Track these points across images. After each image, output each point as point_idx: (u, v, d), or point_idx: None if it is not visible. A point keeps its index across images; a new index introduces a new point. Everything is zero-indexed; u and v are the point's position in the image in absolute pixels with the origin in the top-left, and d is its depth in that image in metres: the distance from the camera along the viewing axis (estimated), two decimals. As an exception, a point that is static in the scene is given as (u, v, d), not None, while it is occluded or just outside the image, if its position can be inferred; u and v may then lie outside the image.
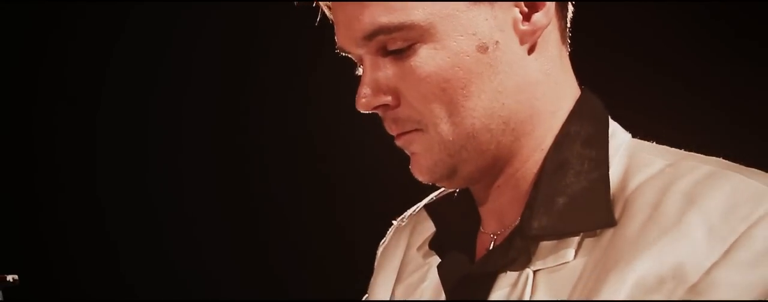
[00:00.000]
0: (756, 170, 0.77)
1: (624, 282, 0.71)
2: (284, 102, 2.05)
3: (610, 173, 0.77)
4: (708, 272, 0.68)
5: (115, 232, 2.14)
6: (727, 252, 0.69)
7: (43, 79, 2.12)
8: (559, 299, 0.75)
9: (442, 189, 0.94)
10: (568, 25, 0.83)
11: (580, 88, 0.83)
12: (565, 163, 0.79)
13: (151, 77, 2.10)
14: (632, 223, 0.73)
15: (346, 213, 2.00)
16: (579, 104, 0.81)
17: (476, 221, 0.86)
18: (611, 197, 0.75)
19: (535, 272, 0.77)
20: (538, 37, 0.77)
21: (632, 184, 0.76)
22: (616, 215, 0.74)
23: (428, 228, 0.92)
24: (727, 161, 0.78)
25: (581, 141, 0.79)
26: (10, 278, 2.55)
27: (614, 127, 0.82)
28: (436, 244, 0.88)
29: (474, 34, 0.75)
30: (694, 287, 0.69)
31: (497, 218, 0.84)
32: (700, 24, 1.66)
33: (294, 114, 2.06)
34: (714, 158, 0.78)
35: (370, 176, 1.91)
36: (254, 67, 2.06)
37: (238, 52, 2.07)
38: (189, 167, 2.14)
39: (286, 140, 2.07)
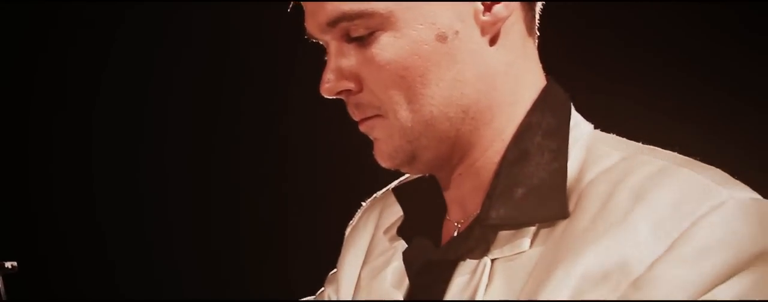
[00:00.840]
0: (708, 165, 0.77)
1: (570, 275, 0.72)
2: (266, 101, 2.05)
3: (568, 164, 0.78)
4: (651, 267, 0.69)
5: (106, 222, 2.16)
6: (670, 248, 0.70)
7: (38, 76, 2.14)
8: (514, 287, 0.76)
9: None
10: (537, 17, 0.84)
11: (547, 79, 0.84)
12: (525, 153, 0.80)
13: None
14: (583, 216, 0.74)
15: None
16: (542, 95, 0.82)
17: (442, 208, 0.88)
18: (567, 189, 0.77)
19: (492, 261, 0.78)
20: (499, 28, 0.79)
21: (588, 176, 0.77)
22: (571, 207, 0.76)
23: (396, 212, 0.94)
24: (682, 156, 0.79)
25: (542, 132, 0.81)
26: (8, 264, 2.58)
27: (577, 119, 0.83)
28: (402, 229, 0.90)
29: (433, 24, 0.77)
30: (636, 281, 0.70)
31: (461, 206, 0.85)
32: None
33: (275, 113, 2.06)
34: (670, 152, 0.79)
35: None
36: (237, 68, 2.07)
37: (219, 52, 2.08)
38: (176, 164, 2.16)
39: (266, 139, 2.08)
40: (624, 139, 0.82)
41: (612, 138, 0.83)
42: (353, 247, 0.99)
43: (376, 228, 0.98)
